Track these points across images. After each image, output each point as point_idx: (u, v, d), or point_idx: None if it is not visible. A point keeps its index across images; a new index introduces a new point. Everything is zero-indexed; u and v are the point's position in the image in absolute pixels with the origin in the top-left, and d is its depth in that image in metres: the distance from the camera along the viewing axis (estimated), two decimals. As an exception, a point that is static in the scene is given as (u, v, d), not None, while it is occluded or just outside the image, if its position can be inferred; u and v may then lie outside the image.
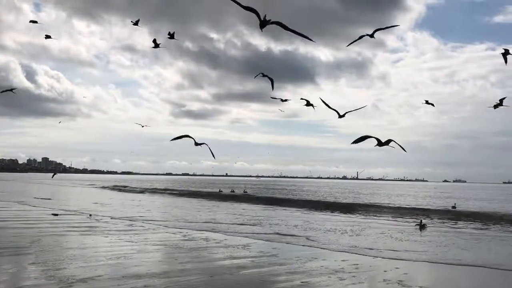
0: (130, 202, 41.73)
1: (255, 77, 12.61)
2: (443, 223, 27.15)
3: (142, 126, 18.06)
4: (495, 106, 10.06)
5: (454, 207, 42.38)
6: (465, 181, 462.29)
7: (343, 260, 13.63)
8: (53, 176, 50.14)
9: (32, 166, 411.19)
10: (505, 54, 9.94)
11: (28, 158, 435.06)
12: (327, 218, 28.96)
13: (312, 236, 19.43)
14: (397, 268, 12.77)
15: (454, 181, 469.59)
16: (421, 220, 26.08)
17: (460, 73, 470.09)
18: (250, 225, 23.61)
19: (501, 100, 10.25)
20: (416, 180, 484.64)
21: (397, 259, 14.21)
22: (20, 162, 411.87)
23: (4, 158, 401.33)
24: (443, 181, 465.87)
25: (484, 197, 76.07)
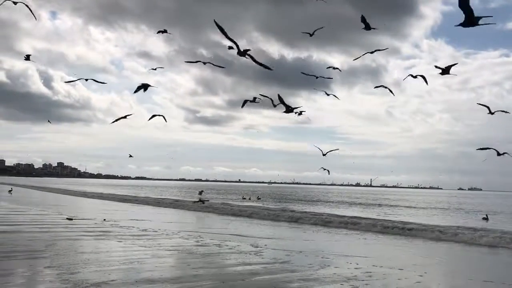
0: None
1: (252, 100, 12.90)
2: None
3: (125, 117, 17.17)
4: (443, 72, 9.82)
5: (485, 218, 39.20)
6: (480, 189, 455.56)
7: (356, 268, 13.53)
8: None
9: (47, 171, 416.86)
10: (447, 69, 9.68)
11: (44, 163, 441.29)
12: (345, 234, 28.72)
13: (322, 246, 19.34)
14: (410, 276, 12.65)
15: (469, 189, 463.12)
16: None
17: (473, 80, 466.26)
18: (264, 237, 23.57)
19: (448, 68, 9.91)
20: (431, 187, 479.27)
21: (410, 268, 14.08)
22: (36, 166, 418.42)
23: (21, 162, 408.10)
24: (458, 189, 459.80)
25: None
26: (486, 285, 12.36)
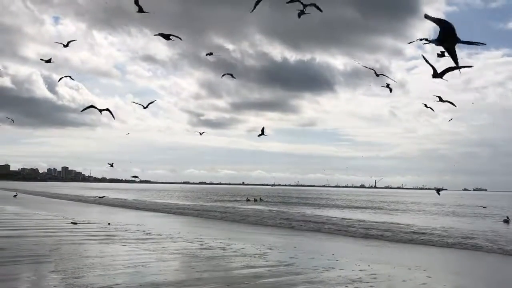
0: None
1: None
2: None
3: (144, 107, 18.23)
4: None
5: (506, 220, 37.46)
6: (485, 190, 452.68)
7: (360, 270, 13.48)
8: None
9: (52, 175, 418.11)
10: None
11: (48, 167, 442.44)
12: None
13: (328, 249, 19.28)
14: (415, 277, 12.59)
15: (474, 190, 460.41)
16: None
17: (476, 80, 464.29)
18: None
19: None
20: (435, 188, 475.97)
21: (415, 269, 14.01)
22: (40, 171, 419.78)
23: (26, 167, 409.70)
24: (463, 190, 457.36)
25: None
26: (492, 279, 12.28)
